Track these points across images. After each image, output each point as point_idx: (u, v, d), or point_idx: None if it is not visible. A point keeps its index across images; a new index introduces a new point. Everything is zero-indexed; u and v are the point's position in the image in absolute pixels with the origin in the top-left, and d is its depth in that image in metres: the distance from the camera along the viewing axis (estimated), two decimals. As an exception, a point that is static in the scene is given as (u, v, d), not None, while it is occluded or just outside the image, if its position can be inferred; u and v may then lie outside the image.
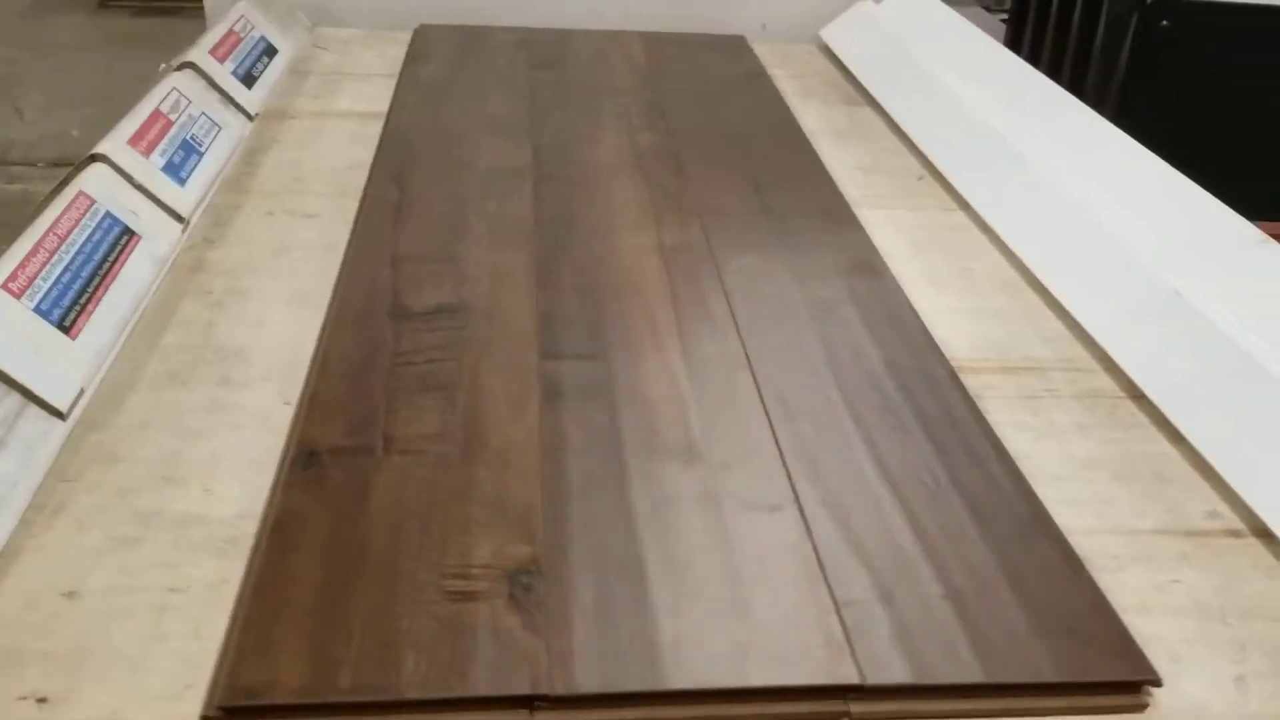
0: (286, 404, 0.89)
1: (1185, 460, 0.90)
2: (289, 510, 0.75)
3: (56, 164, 3.68)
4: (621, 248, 1.15)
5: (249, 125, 1.42)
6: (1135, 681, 0.67)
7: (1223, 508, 0.85)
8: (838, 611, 0.69)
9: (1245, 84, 1.47)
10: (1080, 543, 0.79)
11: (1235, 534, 0.82)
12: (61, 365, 0.86)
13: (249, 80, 1.48)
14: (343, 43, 1.82)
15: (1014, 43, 1.85)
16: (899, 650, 0.67)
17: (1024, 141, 1.35)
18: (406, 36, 1.84)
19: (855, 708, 0.64)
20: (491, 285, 1.06)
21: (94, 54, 4.52)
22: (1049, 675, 0.66)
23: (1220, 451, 0.88)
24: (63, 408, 0.83)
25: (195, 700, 0.62)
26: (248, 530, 0.75)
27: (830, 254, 1.18)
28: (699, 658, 0.65)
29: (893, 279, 1.13)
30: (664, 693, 0.63)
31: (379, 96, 1.57)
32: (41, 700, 0.62)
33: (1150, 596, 0.76)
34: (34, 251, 0.92)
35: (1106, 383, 1.00)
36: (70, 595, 0.69)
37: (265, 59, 1.57)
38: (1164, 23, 1.41)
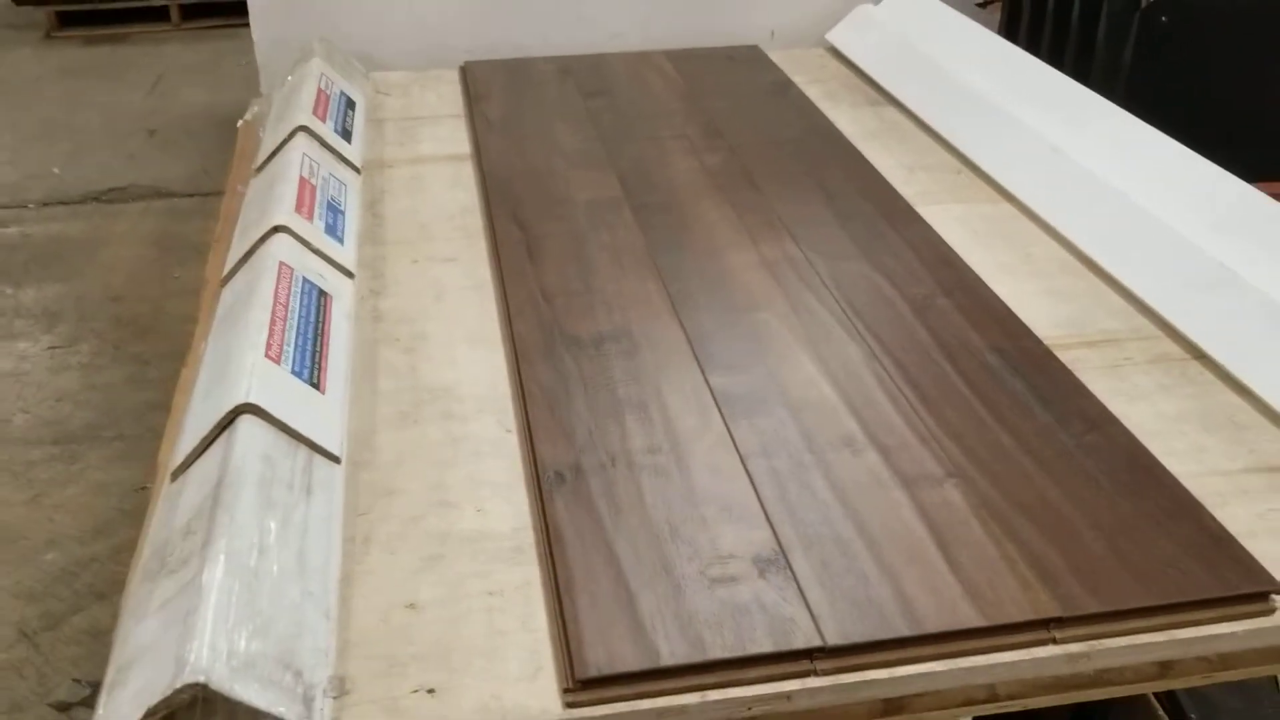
0: (508, 431, 1.05)
1: (1253, 408, 1.09)
2: (557, 521, 0.92)
3: (46, 203, 3.76)
4: (731, 265, 1.32)
5: (359, 178, 1.56)
6: (1263, 591, 0.85)
7: (1292, 446, 1.04)
8: (1025, 559, 0.87)
9: (1239, 61, 1.66)
10: (1189, 485, 0.98)
11: (1307, 465, 1.01)
12: (324, 417, 1.02)
13: (347, 135, 1.62)
14: (400, 86, 1.95)
15: (1008, 36, 2.03)
16: (1081, 585, 0.85)
17: (1052, 131, 1.53)
18: (453, 74, 1.99)
19: (1058, 634, 0.82)
20: (637, 311, 1.22)
21: (51, 87, 4.54)
22: (1198, 593, 0.84)
23: (1282, 397, 1.07)
24: (338, 452, 0.99)
25: (548, 679, 0.78)
26: (528, 540, 0.91)
27: (909, 252, 1.35)
28: (922, 608, 0.83)
29: (969, 269, 1.31)
30: (911, 638, 0.81)
31: (456, 138, 1.72)
32: (431, 691, 0.78)
33: (1254, 524, 0.94)
34: (272, 323, 1.07)
35: (1172, 348, 1.19)
36: (412, 607, 0.85)
37: (350, 112, 1.71)
38: (1163, 19, 1.60)
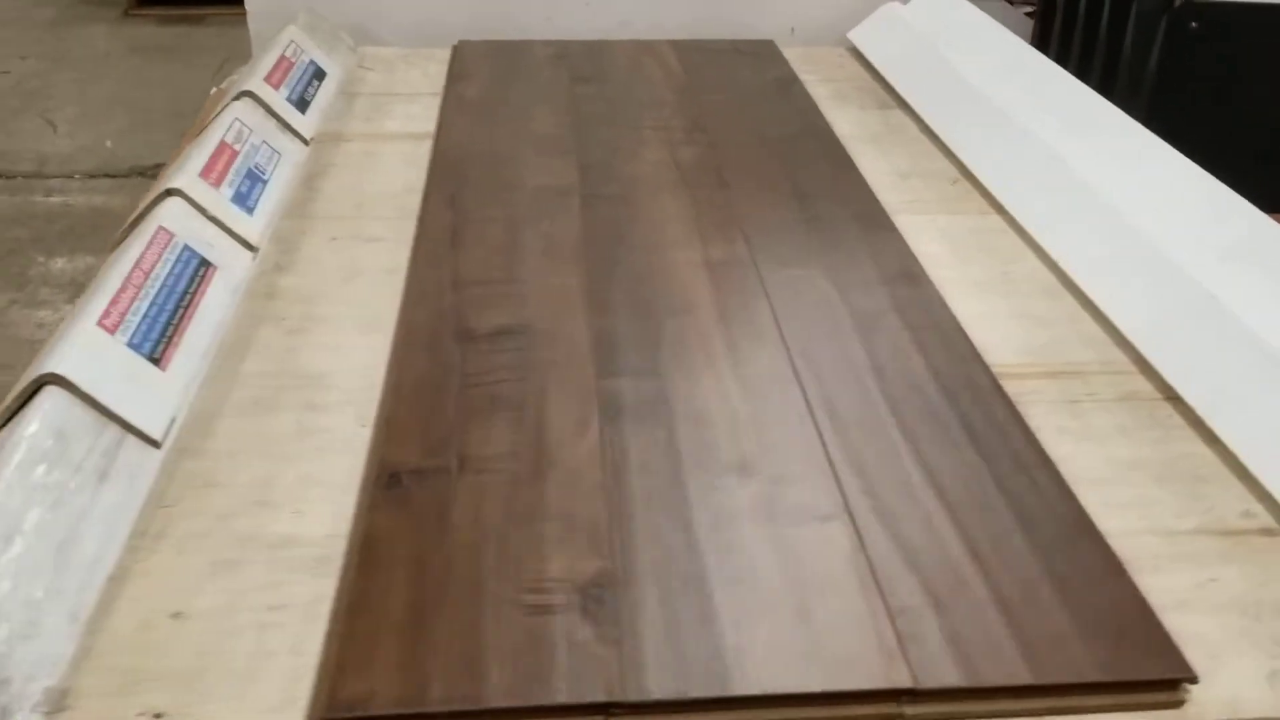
0: (363, 426, 0.94)
1: (1220, 460, 0.93)
2: (375, 530, 0.81)
3: (93, 175, 3.78)
4: (670, 264, 1.20)
5: (305, 150, 1.48)
6: (1173, 679, 0.71)
7: (1256, 507, 0.88)
8: (891, 618, 0.74)
9: (1272, 81, 1.49)
10: (1122, 544, 0.83)
11: (1269, 532, 0.86)
12: (155, 396, 0.92)
13: (302, 105, 1.54)
14: (386, 62, 1.87)
15: (1041, 40, 1.88)
16: (949, 654, 0.71)
17: (1060, 144, 1.38)
18: (445, 53, 1.90)
19: (909, 710, 0.69)
20: (548, 306, 1.11)
21: (120, 64, 4.62)
22: (1092, 675, 0.70)
23: (1254, 451, 0.91)
24: (158, 437, 0.89)
25: (298, 713, 0.67)
26: (338, 550, 0.81)
27: (871, 263, 1.22)
28: (762, 664, 0.70)
29: (932, 286, 1.17)
30: (731, 698, 0.68)
31: (427, 116, 1.63)
32: (158, 716, 0.68)
33: (1190, 595, 0.80)
34: (123, 288, 0.98)
35: (1144, 385, 1.04)
36: (178, 616, 0.75)
37: (316, 82, 1.63)
38: (1193, 24, 1.44)
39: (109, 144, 3.95)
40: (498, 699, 0.67)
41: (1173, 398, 1.01)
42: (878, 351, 1.05)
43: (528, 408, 0.95)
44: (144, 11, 5.13)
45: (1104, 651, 0.72)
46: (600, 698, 0.68)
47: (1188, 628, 0.76)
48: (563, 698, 0.68)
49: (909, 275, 1.20)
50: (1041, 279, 1.22)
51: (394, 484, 0.85)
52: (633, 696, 0.68)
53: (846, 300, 1.14)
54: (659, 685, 0.69)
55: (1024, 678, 0.70)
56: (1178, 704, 0.70)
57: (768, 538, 0.81)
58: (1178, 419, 0.99)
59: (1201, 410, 0.98)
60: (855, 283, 1.17)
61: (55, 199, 3.62)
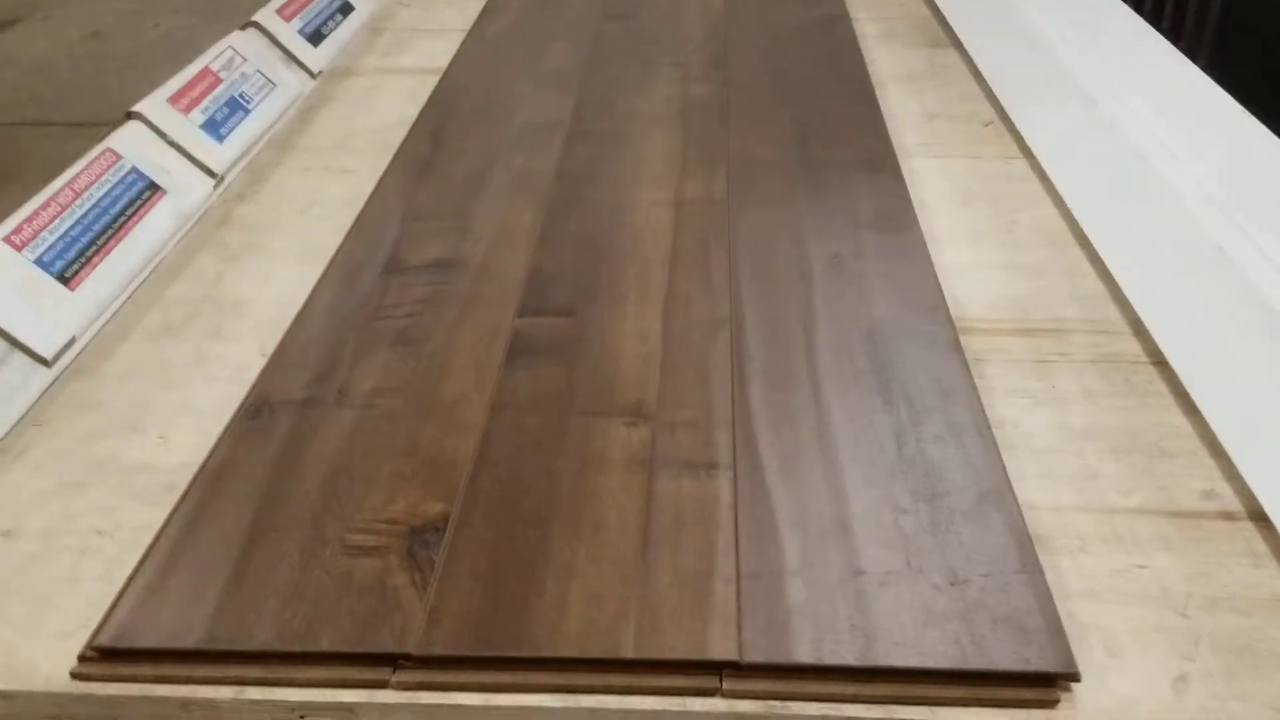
0: (263, 356, 0.91)
1: (1195, 434, 0.81)
2: (225, 460, 0.77)
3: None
4: (636, 203, 1.12)
5: (310, 83, 1.45)
6: (1048, 674, 0.61)
7: (1223, 487, 0.77)
8: (738, 584, 0.66)
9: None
10: (1044, 520, 0.73)
11: (1229, 516, 0.74)
12: (54, 316, 0.90)
13: (316, 38, 1.51)
14: (428, -1, 1.83)
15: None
16: (786, 628, 0.63)
17: (1099, 83, 1.24)
18: (491, -10, 1.84)
19: (729, 685, 0.61)
20: (492, 241, 1.05)
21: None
22: (944, 661, 0.61)
23: (1231, 426, 0.79)
24: (48, 356, 0.87)
25: (80, 642, 0.64)
26: (188, 478, 0.77)
27: (857, 207, 1.11)
28: (577, 625, 0.63)
29: (919, 233, 1.07)
30: (528, 659, 0.62)
31: (445, 52, 1.58)
32: (-52, 633, 0.65)
33: (1106, 582, 0.69)
34: (45, 205, 0.97)
35: (1132, 347, 0.92)
36: (6, 534, 0.73)
37: (339, 16, 1.60)
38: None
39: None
40: (270, 642, 0.62)
41: (1159, 362, 0.89)
42: (829, 300, 0.96)
43: (429, 343, 0.90)
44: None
45: (970, 637, 0.62)
46: (387, 648, 0.62)
47: (1092, 618, 0.66)
48: (346, 645, 0.62)
49: (895, 221, 1.09)
50: (1050, 229, 1.10)
51: (254, 414, 0.81)
52: (421, 649, 0.62)
53: (815, 245, 1.05)
54: (454, 640, 0.62)
55: (867, 659, 0.61)
56: (1050, 703, 0.61)
57: (637, 487, 0.74)
58: (1159, 386, 0.87)
59: (1186, 377, 0.85)
60: (832, 227, 1.08)
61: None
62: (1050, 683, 0.61)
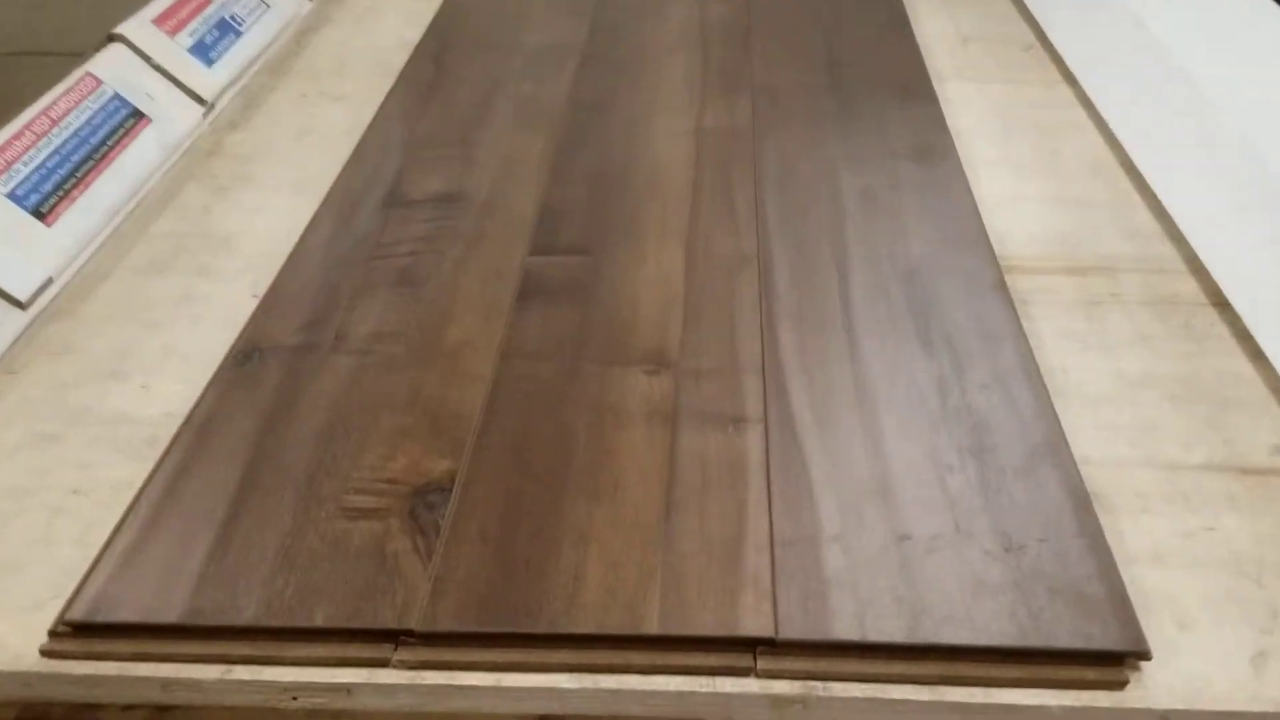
0: (254, 296, 0.84)
1: (1262, 382, 0.75)
2: (212, 411, 0.71)
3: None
4: (653, 133, 1.05)
5: (306, 4, 1.37)
6: (1116, 653, 0.55)
7: (1296, 442, 0.70)
8: (771, 551, 0.60)
9: None
10: (1100, 477, 0.67)
11: (1304, 475, 0.68)
12: (29, 254, 0.84)
13: (313, -43, 1.42)
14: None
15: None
16: (825, 601, 0.57)
17: (1146, 1, 1.16)
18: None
19: (764, 664, 0.55)
20: (500, 174, 0.98)
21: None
22: (999, 638, 0.55)
23: (1305, 374, 0.73)
24: (23, 298, 0.81)
25: (51, 614, 0.58)
26: (171, 430, 0.71)
27: (891, 135, 1.04)
28: (595, 597, 0.58)
29: (957, 163, 0.99)
30: (543, 635, 0.56)
31: (452, -29, 1.49)
32: (-90, 603, 0.60)
33: (1173, 546, 0.63)
34: (18, 135, 0.90)
35: (1189, 287, 0.85)
36: (-25, 493, 0.67)
37: (337, -66, 1.50)
38: None
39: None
40: (260, 616, 0.57)
41: (1220, 304, 0.82)
42: (862, 236, 0.89)
43: (433, 284, 0.84)
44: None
45: (1028, 611, 0.57)
46: (389, 624, 0.57)
47: (1160, 587, 0.60)
48: (342, 620, 0.57)
49: (931, 150, 1.02)
50: (1096, 160, 1.03)
51: (244, 361, 0.75)
52: (426, 625, 0.56)
53: (847, 176, 0.97)
54: (461, 615, 0.57)
55: (915, 636, 0.56)
56: (1118, 684, 0.55)
57: (659, 442, 0.68)
58: (1221, 329, 0.80)
59: (1250, 320, 0.79)
60: (864, 157, 1.00)
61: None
62: (1117, 661, 0.55)
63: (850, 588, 0.58)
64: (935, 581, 0.58)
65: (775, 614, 0.56)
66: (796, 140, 1.03)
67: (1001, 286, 0.83)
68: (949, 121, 1.06)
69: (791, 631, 0.55)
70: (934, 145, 1.02)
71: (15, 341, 0.79)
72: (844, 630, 0.56)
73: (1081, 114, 1.11)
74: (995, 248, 0.87)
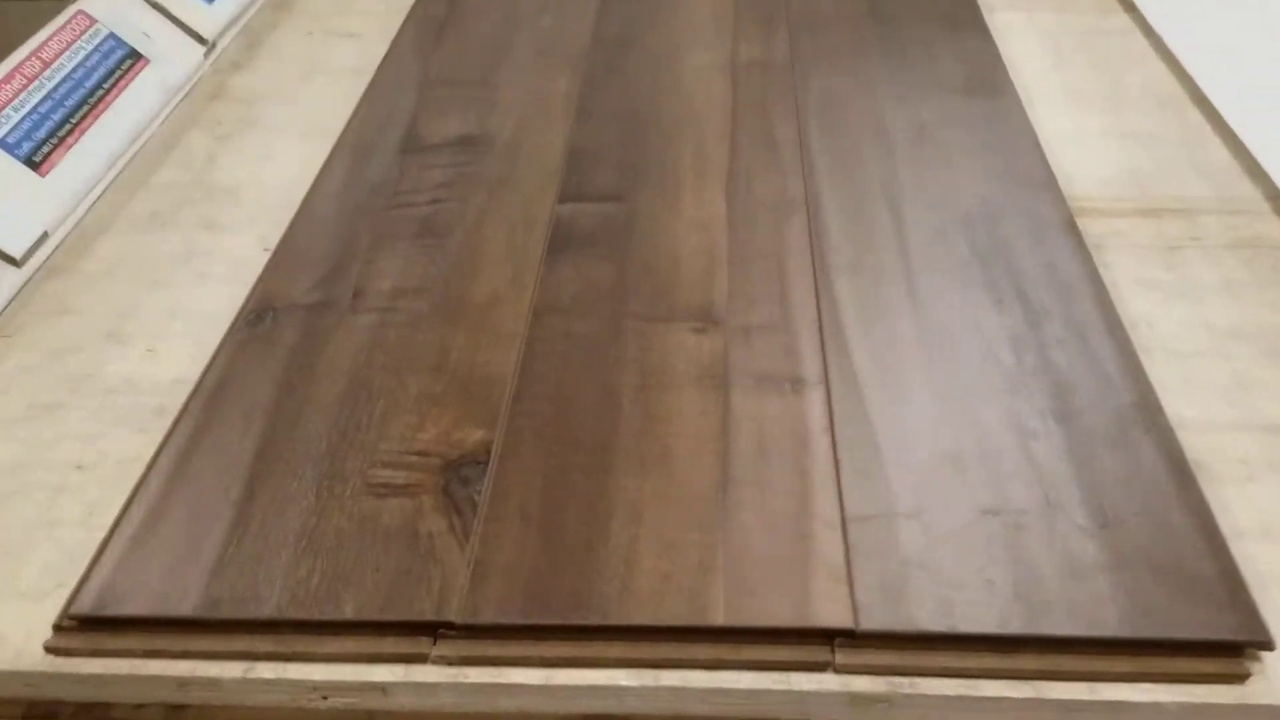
0: (265, 250, 0.78)
1: (1366, 334, 0.69)
2: (223, 378, 0.65)
3: None
4: (685, 68, 0.98)
5: (309, -65, 1.29)
6: (1234, 643, 0.50)
7: None
8: (844, 529, 0.55)
9: None
10: (1197, 441, 0.61)
11: None
12: (22, 206, 0.78)
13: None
14: None
15: None
16: (907, 586, 0.52)
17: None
18: None
19: (843, 658, 0.50)
20: (523, 115, 0.91)
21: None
22: (1112, 629, 0.50)
23: None
24: (17, 254, 0.75)
25: (56, 604, 0.53)
26: (180, 399, 0.65)
27: (943, 68, 0.97)
28: (650, 582, 0.52)
29: (1015, 97, 0.92)
30: (596, 628, 0.51)
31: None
32: (-99, 591, 0.55)
33: (1283, 519, 0.57)
34: (8, 78, 0.83)
35: (1276, 230, 0.79)
36: (-31, 470, 0.62)
37: None
38: None
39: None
40: (284, 608, 0.51)
41: (1313, 246, 0.76)
42: (917, 176, 0.82)
43: (457, 235, 0.77)
44: None
45: (1136, 595, 0.51)
46: (426, 615, 0.51)
47: (1273, 567, 0.55)
48: (372, 612, 0.51)
49: (987, 83, 0.95)
50: (1163, 91, 0.96)
51: (257, 321, 0.69)
52: (463, 616, 0.51)
53: (899, 113, 0.91)
54: (503, 603, 0.51)
55: (1011, 626, 0.50)
56: (1239, 678, 0.49)
57: (711, 407, 0.62)
58: (1316, 275, 0.74)
59: (1348, 264, 0.72)
60: (916, 92, 0.93)
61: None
62: (1236, 652, 0.50)
63: (934, 571, 0.52)
64: (1027, 562, 0.53)
65: (853, 601, 0.51)
66: (839, 73, 0.96)
67: (1073, 230, 0.76)
68: (1000, 52, 0.99)
69: (872, 622, 0.50)
70: (988, 77, 0.95)
71: (10, 302, 0.74)
72: (930, 620, 0.50)
73: (1141, 41, 1.04)
74: (1061, 188, 0.81)
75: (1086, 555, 0.53)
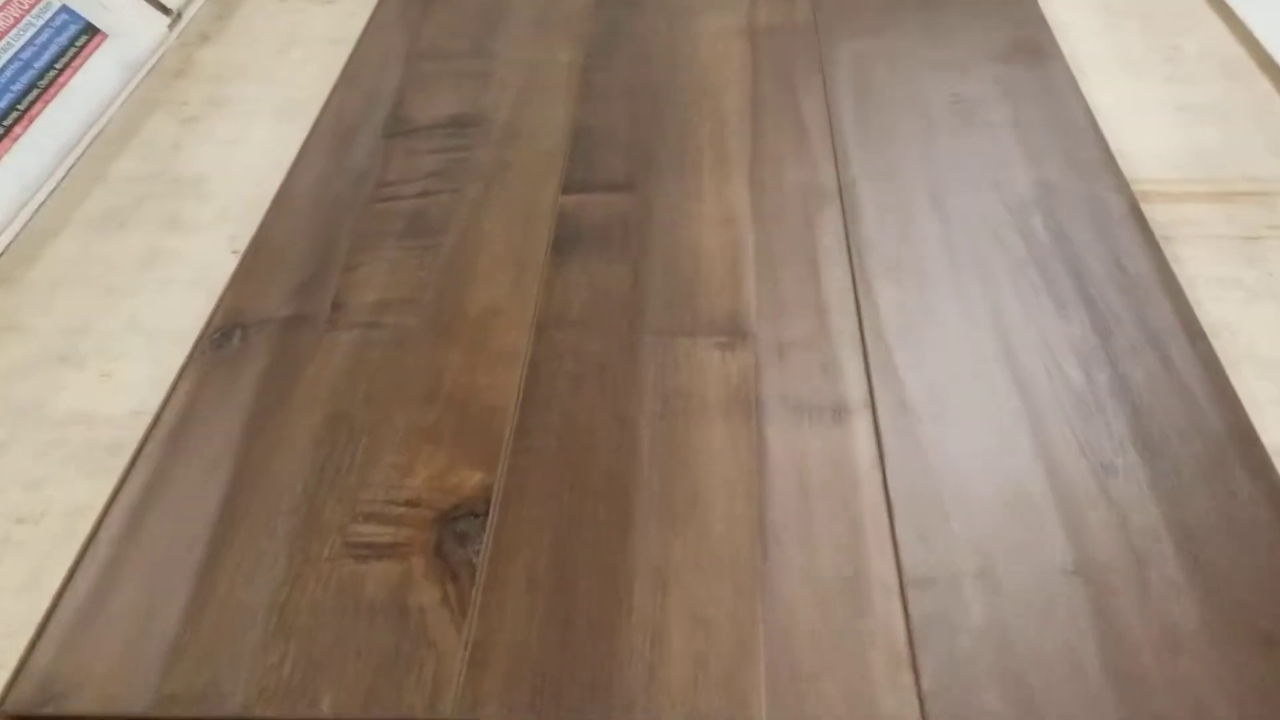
0: (234, 252, 0.70)
1: None
2: (185, 410, 0.57)
3: None
4: (698, 34, 0.89)
5: (285, -110, 1.19)
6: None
7: None
8: (903, 595, 0.47)
9: None
10: (1298, 474, 0.53)
11: None
12: (-40, 208, 0.70)
13: None
14: None
15: None
16: (981, 667, 0.44)
17: None
18: None
19: (908, 756, 0.42)
20: (522, 91, 0.83)
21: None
22: (1220, 713, 0.42)
23: None
24: (-46, 264, 0.67)
25: (-8, 692, 0.46)
26: (138, 433, 0.57)
27: (983, 32, 0.88)
28: (682, 670, 0.45)
29: (1064, 64, 0.83)
30: (619, 723, 0.43)
31: None
32: None
33: (1406, 570, 0.49)
34: (-58, 61, 0.74)
35: (1365, 215, 0.70)
36: (-106, 525, 0.54)
37: None
38: None
39: None
40: (250, 704, 0.44)
41: None
42: (966, 159, 0.74)
43: (449, 233, 0.69)
44: None
45: (1251, 668, 0.43)
46: (416, 713, 0.44)
47: (1399, 628, 0.47)
48: (353, 709, 0.44)
49: (1033, 49, 0.86)
50: (1225, 56, 0.87)
51: (224, 341, 0.61)
52: (460, 713, 0.43)
53: (938, 84, 0.82)
54: (507, 695, 0.44)
55: (1108, 713, 0.42)
56: (1370, 773, 0.42)
57: (743, 440, 0.54)
58: None
59: None
60: (955, 59, 0.84)
61: None
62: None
63: (1011, 648, 0.45)
64: (1124, 633, 0.45)
65: (918, 689, 0.43)
66: (870, 39, 0.87)
67: (1139, 220, 0.68)
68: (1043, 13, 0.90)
69: (942, 716, 0.42)
70: (1034, 42, 0.86)
71: (-53, 319, 0.65)
72: (1015, 712, 0.42)
73: (1200, 2, 0.94)
74: (1121, 169, 0.72)
75: (1188, 623, 0.45)
